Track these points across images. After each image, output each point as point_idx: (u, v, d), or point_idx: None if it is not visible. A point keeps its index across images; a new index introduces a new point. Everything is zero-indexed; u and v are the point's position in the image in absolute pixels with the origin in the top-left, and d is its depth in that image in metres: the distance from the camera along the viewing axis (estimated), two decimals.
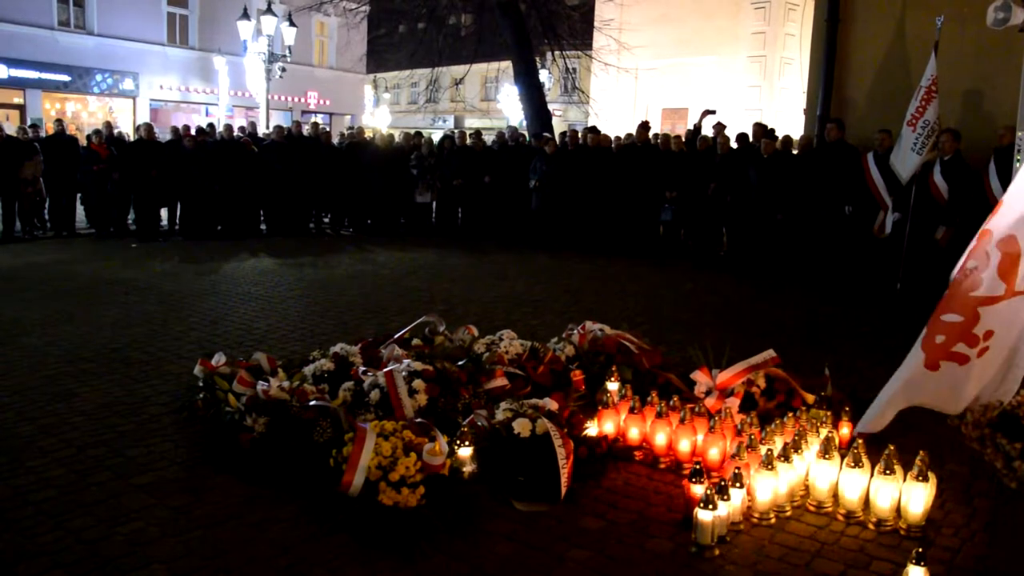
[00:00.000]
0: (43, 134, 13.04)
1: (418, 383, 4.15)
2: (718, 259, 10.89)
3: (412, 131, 15.60)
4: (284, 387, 4.17)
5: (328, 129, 15.57)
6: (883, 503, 3.33)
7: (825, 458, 3.52)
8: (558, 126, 20.07)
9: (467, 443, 3.68)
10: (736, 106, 19.42)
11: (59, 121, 13.11)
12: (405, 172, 12.83)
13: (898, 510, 3.34)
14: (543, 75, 20.16)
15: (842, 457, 3.53)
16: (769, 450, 3.47)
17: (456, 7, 20.38)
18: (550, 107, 17.52)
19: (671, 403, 4.12)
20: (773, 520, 3.39)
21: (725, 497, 3.18)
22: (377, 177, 12.80)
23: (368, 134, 15.25)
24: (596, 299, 8.22)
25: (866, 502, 3.41)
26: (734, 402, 4.33)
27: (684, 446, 3.91)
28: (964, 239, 3.88)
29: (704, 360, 4.69)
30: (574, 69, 20.15)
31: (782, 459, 3.47)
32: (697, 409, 4.07)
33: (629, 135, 12.18)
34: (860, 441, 3.53)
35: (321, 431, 3.73)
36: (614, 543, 3.21)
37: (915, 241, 8.51)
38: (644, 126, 12.14)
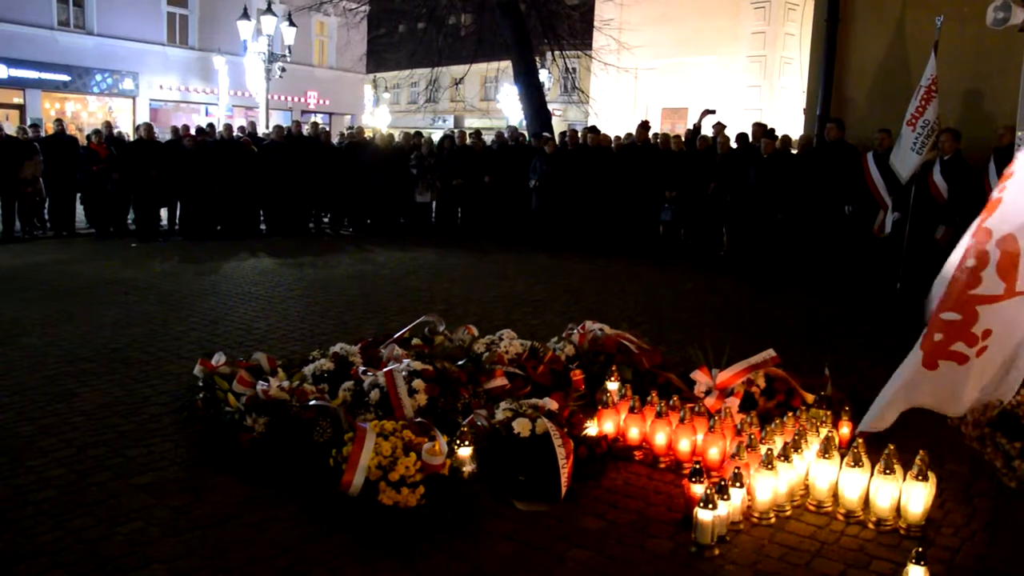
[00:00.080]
0: (43, 134, 13.05)
1: (418, 383, 4.15)
2: (718, 259, 10.88)
3: (412, 131, 15.61)
4: (284, 387, 4.17)
5: (328, 129, 15.57)
6: (883, 503, 3.33)
7: (825, 458, 3.52)
8: (558, 126, 20.07)
9: (467, 443, 3.68)
10: (736, 106, 19.41)
11: (59, 121, 13.11)
12: (405, 172, 12.82)
13: (898, 510, 3.34)
14: (543, 75, 20.16)
15: (842, 457, 3.53)
16: (769, 450, 3.47)
17: (456, 7, 20.38)
18: (550, 107, 17.52)
19: (671, 403, 4.12)
20: (773, 520, 3.39)
21: (725, 497, 3.18)
22: (377, 177, 12.80)
23: (368, 134, 15.25)
24: (596, 299, 8.22)
25: (866, 502, 3.41)
26: (734, 402, 4.33)
27: (684, 446, 3.91)
28: None
29: (704, 360, 4.69)
30: (574, 69, 20.14)
31: (782, 459, 3.47)
32: (697, 409, 4.07)
33: (629, 135, 12.18)
34: (860, 441, 3.53)
35: (321, 431, 3.73)
36: (614, 543, 3.21)
37: (915, 241, 8.51)
38: (644, 126, 12.13)
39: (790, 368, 4.65)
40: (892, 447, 3.42)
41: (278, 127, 13.62)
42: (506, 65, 18.52)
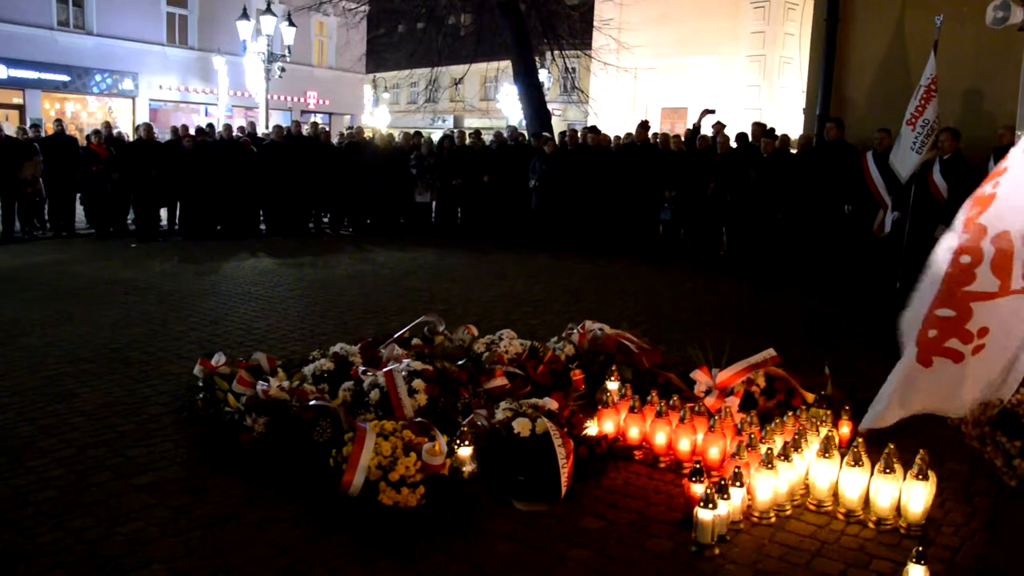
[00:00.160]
0: (43, 134, 13.04)
1: (418, 383, 4.15)
2: (718, 259, 10.88)
3: (411, 131, 15.60)
4: (284, 387, 4.16)
5: (327, 129, 15.57)
6: (883, 502, 3.33)
7: (825, 457, 3.52)
8: (557, 126, 20.06)
9: (467, 443, 3.68)
10: (735, 105, 19.42)
11: (58, 121, 13.10)
12: (404, 172, 12.82)
13: (898, 509, 3.34)
14: (542, 75, 20.15)
15: (842, 456, 3.53)
16: (769, 449, 3.47)
17: (456, 7, 20.38)
18: (549, 107, 17.51)
19: (671, 402, 4.12)
20: (773, 519, 3.39)
21: (725, 496, 3.18)
22: (377, 177, 12.80)
23: (367, 134, 15.25)
24: (596, 299, 8.22)
25: (866, 501, 3.41)
26: (734, 401, 4.33)
27: (684, 445, 3.91)
28: None
29: (704, 359, 4.68)
30: (573, 69, 20.12)
31: (782, 458, 3.47)
32: (697, 408, 4.07)
33: (629, 135, 12.17)
34: (860, 440, 3.53)
35: (321, 431, 3.73)
36: (614, 543, 3.21)
37: (914, 240, 8.50)
38: (644, 125, 12.13)
39: (790, 368, 4.64)
40: (892, 446, 3.42)
41: (278, 127, 13.62)
42: (506, 65, 18.52)
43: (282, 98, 25.97)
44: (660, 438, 3.97)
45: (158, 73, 24.04)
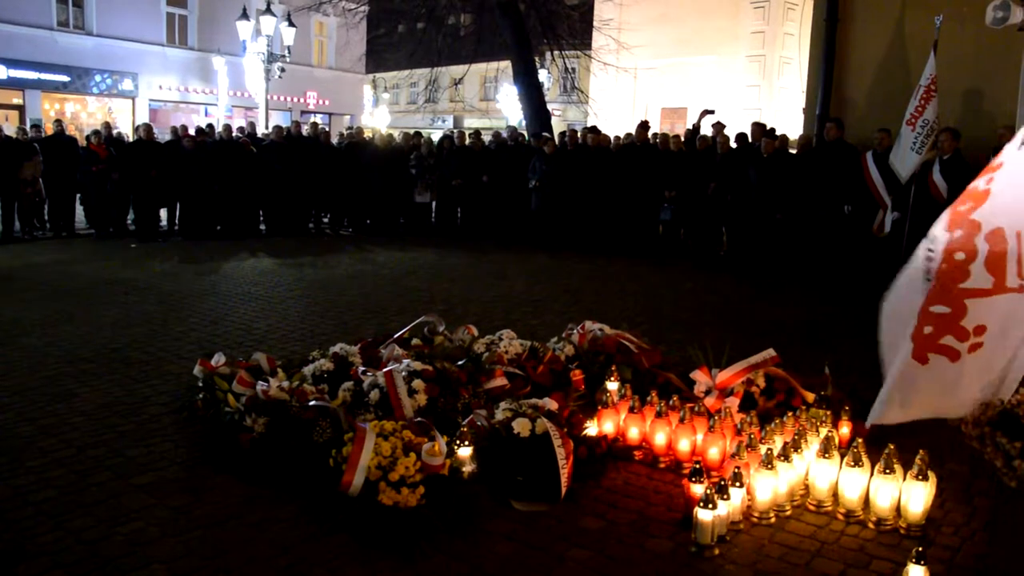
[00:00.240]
0: (43, 134, 13.04)
1: (418, 383, 4.15)
2: (718, 259, 10.88)
3: (411, 131, 15.60)
4: (284, 387, 4.16)
5: (327, 129, 15.57)
6: (883, 502, 3.33)
7: (825, 457, 3.52)
8: (557, 126, 20.06)
9: (467, 443, 3.68)
10: (735, 106, 19.44)
11: (58, 122, 13.11)
12: (404, 172, 12.82)
13: (898, 509, 3.34)
14: (542, 75, 20.15)
15: (842, 456, 3.53)
16: (769, 449, 3.47)
17: (455, 7, 20.37)
18: (549, 107, 17.51)
19: (671, 403, 4.12)
20: (773, 519, 3.39)
21: (725, 496, 3.18)
22: (376, 177, 12.80)
23: (367, 134, 15.25)
24: (596, 299, 8.22)
25: (866, 501, 3.41)
26: (734, 401, 4.32)
27: (684, 446, 3.91)
28: None
29: (704, 360, 4.68)
30: (573, 69, 20.13)
31: (782, 458, 3.47)
32: (697, 408, 4.07)
33: (628, 135, 12.17)
34: (860, 440, 3.53)
35: (321, 431, 3.73)
36: (614, 543, 3.21)
37: (914, 240, 8.46)
38: (643, 126, 12.13)
39: (790, 368, 4.64)
40: (892, 447, 3.42)
41: (277, 127, 13.62)
42: (505, 65, 18.53)
43: (282, 98, 25.98)
44: (660, 438, 3.97)
45: (158, 73, 24.05)
